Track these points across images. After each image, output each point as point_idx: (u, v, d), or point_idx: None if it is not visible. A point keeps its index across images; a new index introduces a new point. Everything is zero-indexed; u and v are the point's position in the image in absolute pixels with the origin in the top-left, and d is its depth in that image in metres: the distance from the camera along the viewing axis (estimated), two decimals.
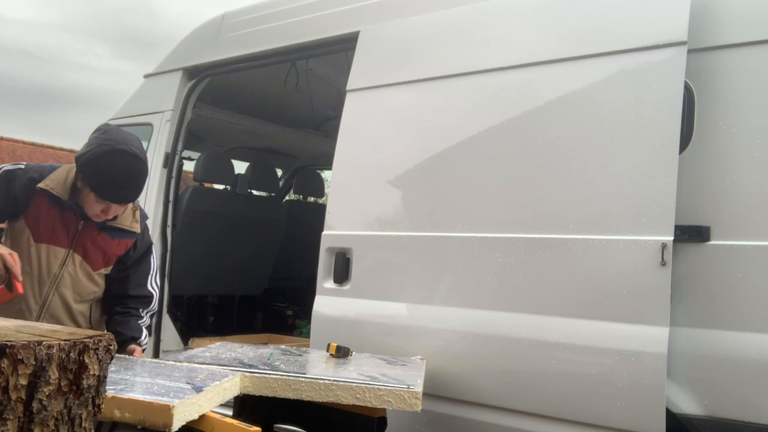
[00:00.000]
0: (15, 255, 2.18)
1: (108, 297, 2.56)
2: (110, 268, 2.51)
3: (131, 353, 2.39)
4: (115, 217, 2.44)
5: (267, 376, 2.17)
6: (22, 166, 2.42)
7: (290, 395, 2.16)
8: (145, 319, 2.55)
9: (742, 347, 2.17)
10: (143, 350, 2.49)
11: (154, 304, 2.63)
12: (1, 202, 2.34)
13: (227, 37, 4.06)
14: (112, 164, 2.22)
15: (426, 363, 2.66)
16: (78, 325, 2.49)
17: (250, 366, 2.34)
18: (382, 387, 2.14)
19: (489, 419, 2.62)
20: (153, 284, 2.61)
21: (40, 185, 2.34)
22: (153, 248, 2.65)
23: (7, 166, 2.42)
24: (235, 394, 2.15)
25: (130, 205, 2.50)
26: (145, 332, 2.52)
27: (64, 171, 2.43)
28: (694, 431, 2.24)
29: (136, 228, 2.52)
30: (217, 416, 1.76)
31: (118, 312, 2.51)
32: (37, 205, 2.34)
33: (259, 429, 1.75)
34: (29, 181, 2.36)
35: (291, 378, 2.17)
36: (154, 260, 2.65)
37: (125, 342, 2.44)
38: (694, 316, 2.28)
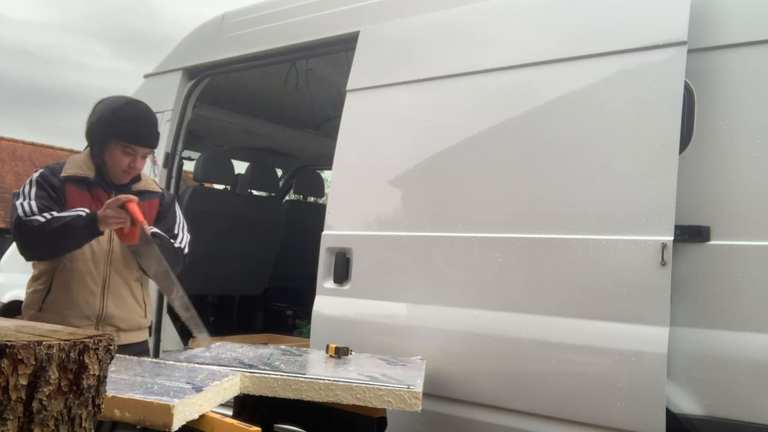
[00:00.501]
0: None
1: None
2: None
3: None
4: (140, 179, 2.56)
5: (267, 376, 2.17)
6: (42, 169, 2.52)
7: (290, 395, 2.17)
8: (172, 242, 2.58)
9: (742, 347, 2.17)
10: (150, 232, 2.45)
11: (185, 246, 2.66)
12: (51, 203, 2.39)
13: (227, 37, 4.06)
14: (131, 111, 2.43)
15: (426, 363, 2.66)
16: (140, 306, 2.61)
17: (250, 366, 2.34)
18: (382, 387, 2.15)
19: (489, 419, 2.62)
20: (181, 231, 2.68)
21: (63, 174, 2.45)
22: (176, 201, 2.76)
23: (35, 176, 2.48)
24: (235, 394, 2.15)
25: (147, 165, 2.62)
26: (163, 235, 2.53)
27: (77, 156, 2.55)
28: (694, 431, 2.24)
29: (157, 188, 2.68)
30: (217, 416, 1.77)
31: None
32: (70, 195, 2.43)
33: (259, 429, 1.75)
34: (53, 176, 2.45)
35: (291, 378, 2.17)
36: (179, 212, 2.74)
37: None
38: (694, 316, 2.28)
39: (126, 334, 2.51)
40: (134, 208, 2.25)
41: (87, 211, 2.31)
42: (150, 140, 2.47)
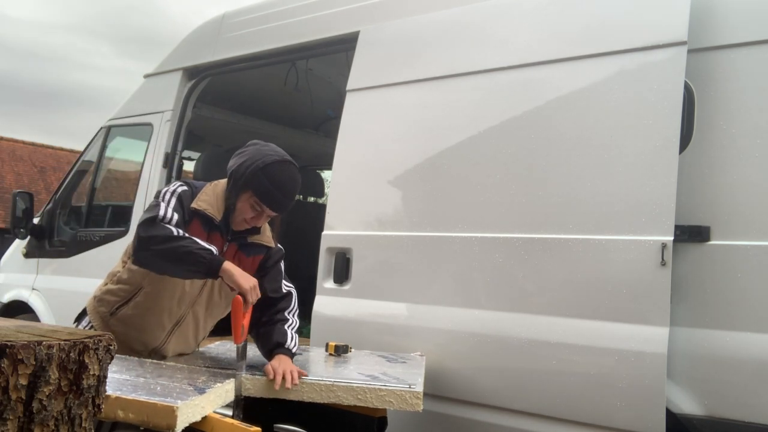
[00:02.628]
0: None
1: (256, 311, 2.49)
2: None
3: (270, 371, 2.24)
4: (258, 232, 2.45)
5: (267, 378, 2.18)
6: (186, 187, 2.39)
7: (292, 396, 2.17)
8: (290, 320, 2.48)
9: (742, 347, 2.17)
10: (293, 355, 2.37)
11: (295, 303, 2.56)
12: (181, 221, 2.30)
13: (227, 37, 4.06)
14: (281, 173, 2.31)
15: (426, 360, 2.67)
16: (197, 342, 2.61)
17: (250, 366, 2.34)
18: (383, 387, 2.15)
19: (489, 419, 2.62)
20: (287, 284, 2.57)
21: (194, 206, 2.34)
22: (282, 257, 2.61)
23: (180, 188, 2.37)
24: (237, 396, 2.15)
25: (267, 224, 2.53)
26: (290, 335, 2.42)
27: (211, 189, 2.42)
28: (694, 431, 2.24)
29: (271, 242, 2.53)
30: (217, 416, 1.77)
31: (263, 323, 2.44)
32: (191, 229, 2.31)
33: (258, 429, 1.75)
34: (190, 201, 2.35)
35: None
36: (282, 268, 2.61)
37: (272, 351, 2.37)
38: (694, 316, 2.28)
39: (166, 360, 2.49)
40: (245, 318, 2.16)
41: (216, 250, 2.21)
42: (282, 207, 2.36)
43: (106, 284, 2.47)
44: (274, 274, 2.52)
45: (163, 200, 2.30)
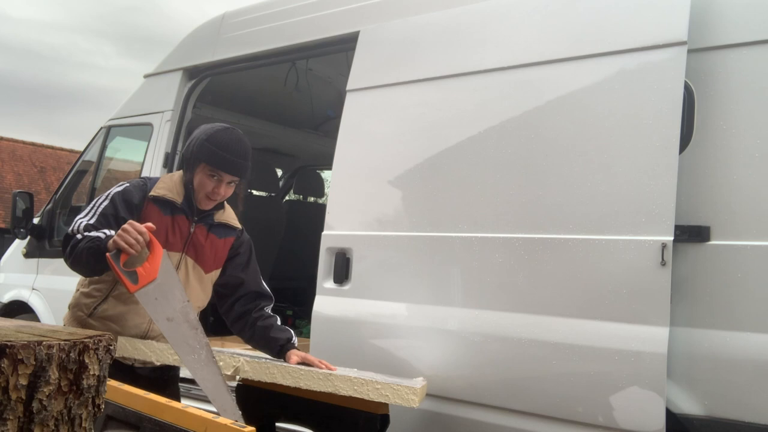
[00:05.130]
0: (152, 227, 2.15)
1: (237, 303, 2.55)
2: (220, 270, 2.52)
3: (291, 360, 2.36)
4: (221, 210, 2.50)
5: (266, 362, 2.18)
6: (128, 184, 2.42)
7: (289, 382, 2.16)
8: (278, 320, 2.53)
9: (742, 347, 2.17)
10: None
11: (273, 303, 2.61)
12: (127, 217, 2.29)
13: (227, 37, 4.06)
14: (225, 136, 2.40)
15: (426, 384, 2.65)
16: None
17: (252, 356, 2.36)
18: (380, 381, 2.15)
19: (489, 419, 2.62)
20: (265, 285, 2.62)
21: (153, 193, 2.38)
22: (253, 247, 2.66)
23: (116, 189, 2.39)
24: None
25: (228, 207, 2.58)
26: (291, 331, 2.51)
27: (168, 177, 2.50)
28: (694, 431, 2.24)
29: (237, 224, 2.59)
30: (210, 416, 1.76)
31: (254, 319, 2.49)
32: (149, 215, 2.35)
33: (253, 429, 1.74)
34: (139, 191, 2.38)
35: (290, 366, 2.18)
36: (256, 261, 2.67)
37: (282, 348, 2.43)
38: (694, 316, 2.28)
39: None
40: (153, 238, 2.11)
41: (109, 232, 2.20)
42: (236, 168, 2.39)
43: (79, 290, 2.47)
44: (253, 267, 2.59)
45: (86, 209, 2.33)
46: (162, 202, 2.39)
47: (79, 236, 2.22)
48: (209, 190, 2.38)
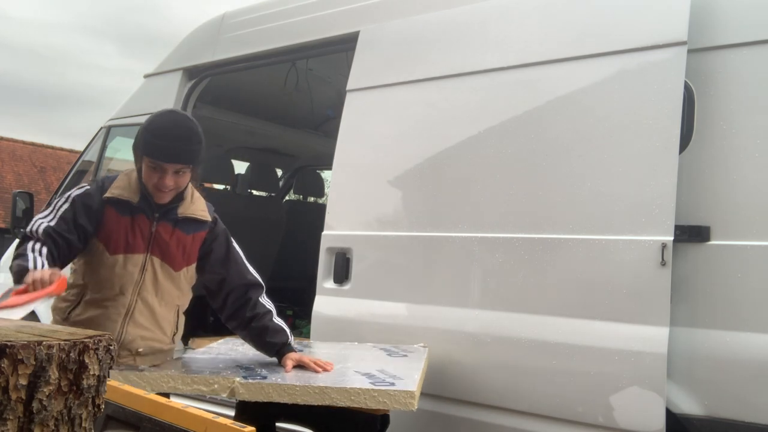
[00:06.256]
0: (57, 276, 2.01)
1: (227, 299, 2.47)
2: (193, 266, 2.43)
3: (287, 366, 2.33)
4: (181, 202, 2.35)
5: (261, 382, 2.18)
6: (87, 186, 2.33)
7: (285, 400, 2.17)
8: (272, 310, 2.46)
9: (742, 347, 2.17)
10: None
11: (264, 289, 2.52)
12: (70, 229, 2.22)
13: (227, 37, 4.06)
14: (160, 121, 2.24)
15: (428, 351, 2.66)
16: (164, 332, 2.41)
17: (248, 368, 2.35)
18: (376, 388, 2.15)
19: (489, 419, 2.62)
20: (253, 272, 2.52)
21: (107, 195, 2.28)
22: (231, 236, 2.53)
23: (76, 192, 2.30)
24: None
25: (195, 193, 2.43)
26: (286, 329, 2.44)
27: (125, 176, 2.36)
28: (694, 431, 2.24)
29: (207, 216, 2.43)
30: (210, 416, 1.76)
31: (248, 319, 2.43)
32: (107, 218, 2.27)
33: (253, 429, 1.74)
34: (98, 193, 2.28)
35: (285, 384, 2.18)
36: (238, 247, 2.54)
37: (279, 351, 2.40)
38: (694, 316, 2.28)
39: (143, 357, 2.38)
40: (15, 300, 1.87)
41: (32, 266, 2.02)
42: (176, 155, 2.20)
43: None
44: (233, 259, 2.47)
45: (48, 208, 2.25)
46: (118, 203, 2.28)
47: (28, 250, 2.12)
48: (155, 182, 2.24)
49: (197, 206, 2.42)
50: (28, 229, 2.21)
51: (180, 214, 2.36)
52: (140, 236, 2.30)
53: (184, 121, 2.29)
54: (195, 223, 2.40)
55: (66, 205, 2.25)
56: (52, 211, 2.25)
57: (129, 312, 2.33)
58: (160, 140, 2.19)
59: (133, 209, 2.30)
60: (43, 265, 2.08)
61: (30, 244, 2.17)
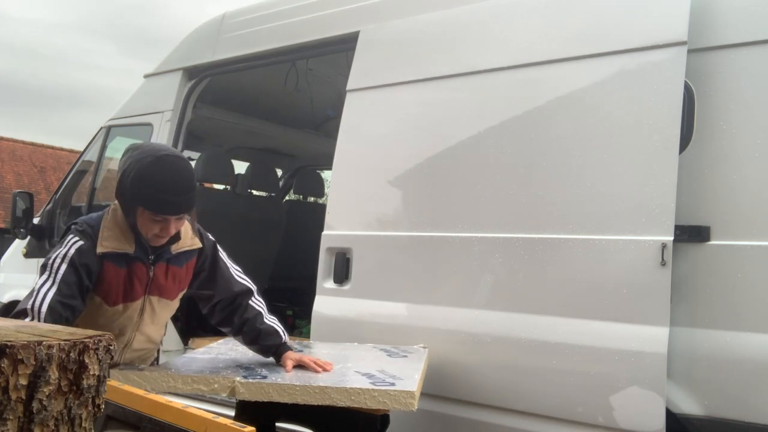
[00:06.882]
0: None
1: (215, 308, 2.45)
2: (184, 291, 2.42)
3: (287, 366, 2.36)
4: (177, 240, 2.26)
5: (261, 382, 2.19)
6: (80, 242, 2.12)
7: (285, 400, 2.17)
8: (263, 310, 2.45)
9: (742, 347, 2.17)
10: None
11: (257, 293, 2.50)
12: (75, 293, 2.08)
13: (227, 37, 4.06)
14: (160, 173, 2.06)
15: (428, 352, 2.67)
16: (157, 345, 2.49)
17: (248, 368, 2.35)
18: (376, 388, 2.15)
19: (489, 419, 2.63)
20: (239, 275, 2.48)
21: (102, 250, 2.13)
22: (218, 246, 2.45)
23: (71, 252, 2.10)
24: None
25: (186, 222, 2.29)
26: (279, 329, 2.45)
27: (111, 221, 2.19)
28: (694, 431, 2.24)
29: (197, 243, 2.35)
30: (210, 416, 1.76)
31: (240, 323, 2.42)
32: (105, 273, 2.15)
33: (253, 429, 1.74)
34: (91, 250, 2.13)
35: (285, 383, 2.18)
36: (225, 257, 2.47)
37: (276, 353, 2.43)
38: (694, 316, 2.28)
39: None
40: None
41: None
42: (180, 208, 2.11)
43: None
44: (220, 275, 2.42)
45: (44, 275, 2.07)
46: (114, 257, 2.16)
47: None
48: (157, 232, 2.14)
49: (186, 237, 2.32)
50: (29, 304, 2.02)
51: (173, 251, 2.29)
52: (138, 284, 2.23)
53: (184, 169, 2.15)
54: (187, 253, 2.34)
55: (65, 267, 2.09)
56: (50, 276, 2.09)
57: (127, 345, 2.35)
58: (165, 195, 2.06)
59: (129, 259, 2.20)
60: None
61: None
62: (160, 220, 2.11)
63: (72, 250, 2.10)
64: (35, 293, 2.04)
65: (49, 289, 2.05)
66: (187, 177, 2.14)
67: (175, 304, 2.42)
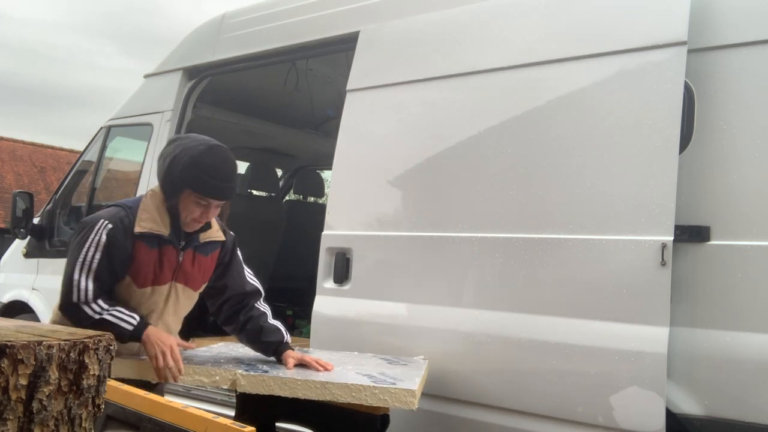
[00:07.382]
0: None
1: (224, 306, 2.52)
2: (206, 283, 2.48)
3: (289, 364, 2.39)
4: (207, 229, 2.38)
5: (263, 375, 2.19)
6: (110, 225, 2.22)
7: (286, 393, 2.18)
8: (267, 312, 2.52)
9: (742, 347, 2.17)
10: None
11: (263, 299, 2.58)
12: (112, 272, 2.23)
13: (227, 37, 4.06)
14: (212, 159, 2.24)
15: (428, 363, 2.66)
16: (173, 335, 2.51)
17: (250, 363, 2.37)
18: (377, 385, 2.15)
19: (489, 419, 2.62)
20: (251, 278, 2.57)
21: (139, 230, 2.24)
22: (236, 244, 2.58)
23: (101, 236, 2.21)
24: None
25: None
26: (282, 329, 2.49)
27: (150, 203, 2.31)
28: (694, 431, 2.24)
29: (221, 236, 2.47)
30: (210, 416, 1.76)
31: (243, 322, 2.48)
32: (137, 254, 2.24)
33: (253, 429, 1.74)
34: (125, 232, 2.23)
35: (286, 377, 2.19)
36: (240, 256, 2.58)
37: (277, 350, 2.46)
38: (694, 316, 2.28)
39: None
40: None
41: (137, 320, 2.20)
42: (225, 193, 2.27)
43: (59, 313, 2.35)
44: (235, 268, 2.52)
45: (79, 261, 2.18)
46: (148, 238, 2.26)
47: (94, 315, 2.17)
48: (196, 216, 2.27)
49: (214, 228, 2.45)
50: (74, 297, 2.18)
51: (201, 240, 2.40)
52: (168, 267, 2.31)
53: (231, 160, 2.33)
54: (212, 244, 2.45)
55: (98, 255, 2.20)
56: (84, 262, 2.20)
57: None
58: (214, 179, 2.22)
59: (162, 241, 2.29)
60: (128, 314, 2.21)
61: (91, 310, 2.18)
62: (204, 204, 2.25)
63: (102, 235, 2.21)
64: (75, 284, 2.18)
65: (84, 279, 2.19)
66: (233, 167, 2.33)
67: (196, 297, 2.48)
